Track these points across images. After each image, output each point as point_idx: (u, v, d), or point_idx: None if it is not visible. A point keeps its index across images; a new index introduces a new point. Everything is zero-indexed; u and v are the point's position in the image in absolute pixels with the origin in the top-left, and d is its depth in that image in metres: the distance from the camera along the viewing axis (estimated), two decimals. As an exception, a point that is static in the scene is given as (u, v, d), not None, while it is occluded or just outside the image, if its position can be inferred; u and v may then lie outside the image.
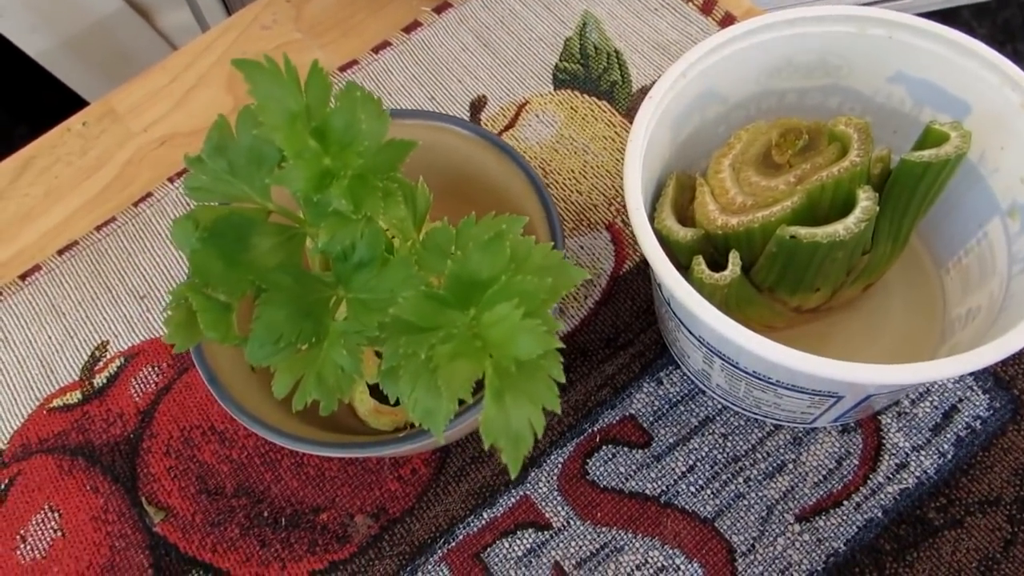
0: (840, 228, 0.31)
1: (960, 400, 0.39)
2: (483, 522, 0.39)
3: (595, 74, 0.52)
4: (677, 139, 0.39)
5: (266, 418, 0.32)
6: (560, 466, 0.40)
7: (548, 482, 0.40)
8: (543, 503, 0.39)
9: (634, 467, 0.40)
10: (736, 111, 0.40)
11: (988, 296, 0.35)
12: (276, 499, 0.40)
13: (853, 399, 0.33)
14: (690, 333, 0.35)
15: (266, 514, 0.40)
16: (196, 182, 0.26)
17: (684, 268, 0.34)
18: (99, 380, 0.44)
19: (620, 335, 0.43)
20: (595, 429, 0.41)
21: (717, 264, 0.34)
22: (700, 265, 0.33)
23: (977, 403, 0.39)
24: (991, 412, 0.38)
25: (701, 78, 0.37)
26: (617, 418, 0.41)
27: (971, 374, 0.39)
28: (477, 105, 0.52)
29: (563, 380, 0.21)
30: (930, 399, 0.39)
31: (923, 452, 0.38)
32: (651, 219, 0.37)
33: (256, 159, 0.26)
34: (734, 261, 0.33)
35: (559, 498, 0.39)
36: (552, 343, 0.21)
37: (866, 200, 0.32)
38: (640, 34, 0.53)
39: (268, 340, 0.24)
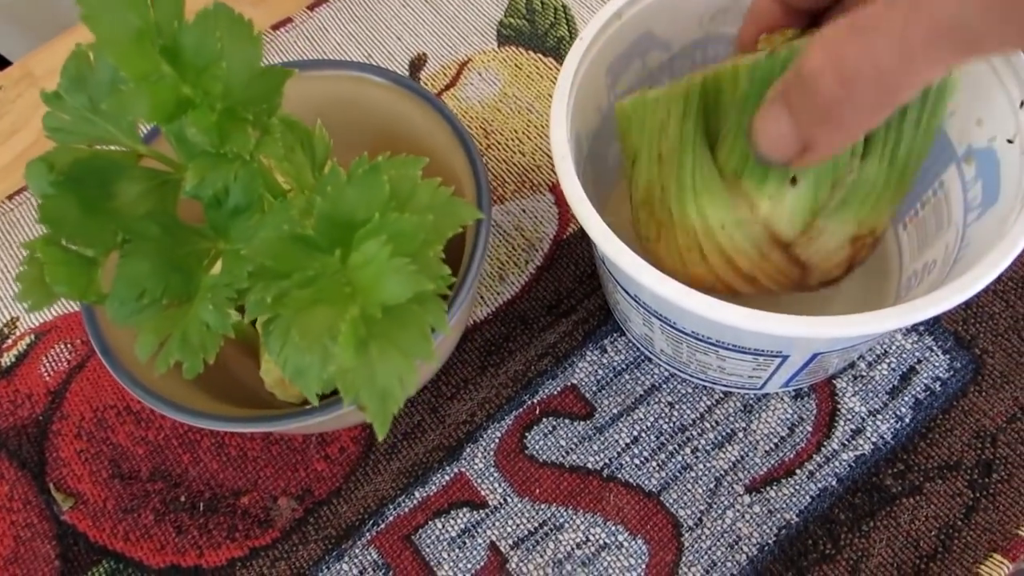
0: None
1: (919, 361, 0.37)
2: (415, 502, 0.36)
3: (541, 30, 0.49)
4: (616, 87, 0.36)
5: (167, 391, 0.30)
6: (497, 441, 0.37)
7: (484, 458, 0.37)
8: (479, 480, 0.37)
9: (575, 440, 0.37)
10: (680, 60, 0.38)
11: (944, 248, 0.32)
12: (194, 483, 0.37)
13: (800, 358, 0.31)
14: (627, 294, 0.32)
15: (183, 499, 0.37)
16: (55, 122, 0.23)
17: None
18: (6, 359, 0.41)
19: (563, 301, 0.41)
20: (535, 401, 0.38)
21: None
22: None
23: (937, 364, 0.36)
24: (951, 373, 0.36)
25: (638, 20, 0.34)
26: (558, 389, 0.38)
27: (930, 334, 0.37)
28: (417, 64, 0.49)
29: (446, 330, 0.19)
30: (887, 361, 0.37)
31: (880, 416, 0.36)
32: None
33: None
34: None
35: (496, 474, 0.37)
36: (424, 285, 0.18)
37: None
38: (590, -13, 0.50)
39: (129, 297, 0.21)
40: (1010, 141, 0.29)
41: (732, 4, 0.36)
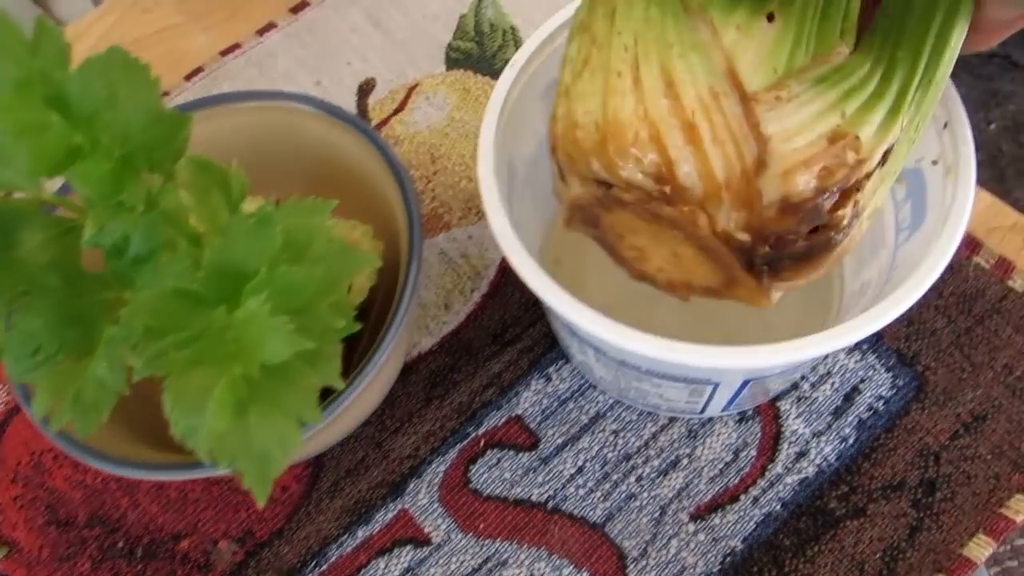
0: None
1: (862, 380, 0.36)
2: (358, 541, 0.36)
3: (490, 52, 0.49)
4: (551, 114, 0.36)
5: (94, 439, 0.29)
6: (441, 475, 0.37)
7: (428, 493, 0.37)
8: (422, 516, 0.36)
9: (520, 472, 0.37)
10: (616, 82, 0.37)
11: (878, 269, 0.32)
12: (133, 527, 0.37)
13: (731, 385, 0.31)
14: (563, 320, 0.32)
15: (121, 544, 0.36)
16: (-47, 170, 0.22)
17: None
18: (-57, 403, 0.40)
19: (508, 330, 0.40)
20: (479, 433, 0.38)
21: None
22: None
23: (879, 382, 0.36)
24: (894, 391, 0.36)
25: (570, 44, 0.34)
26: (503, 419, 0.38)
27: (873, 352, 0.37)
28: (365, 88, 0.49)
29: (338, 385, 0.18)
30: (831, 381, 0.37)
31: (823, 438, 0.36)
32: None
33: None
34: None
35: (440, 510, 0.36)
36: (303, 344, 0.18)
37: None
38: (539, 8, 0.50)
39: (24, 353, 0.21)
40: (935, 162, 0.29)
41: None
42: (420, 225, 0.32)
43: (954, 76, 0.25)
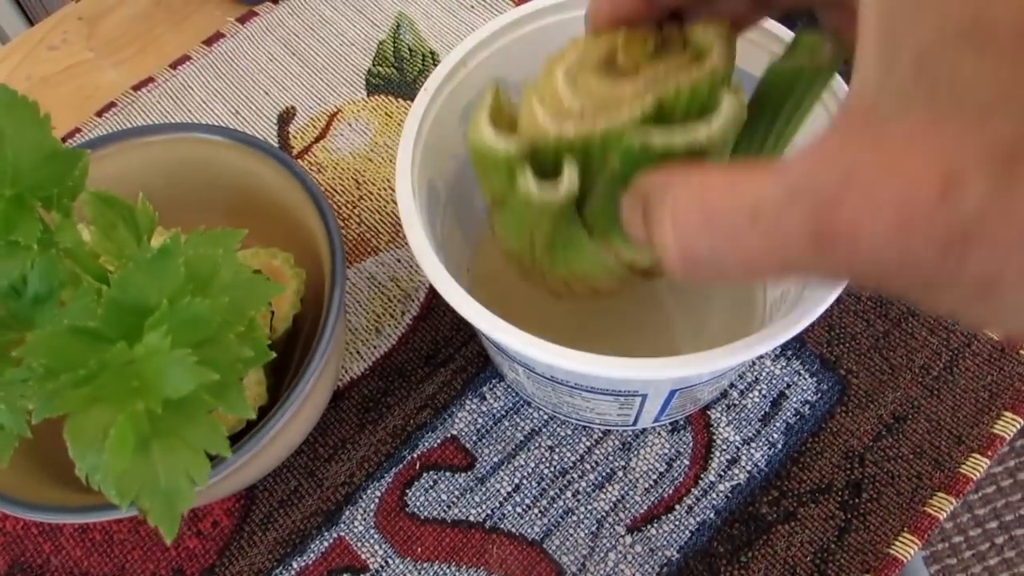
0: (702, 130, 0.24)
1: (788, 386, 0.37)
2: (293, 573, 0.35)
3: (410, 77, 0.49)
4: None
5: (6, 482, 0.28)
6: (377, 501, 0.36)
7: (364, 520, 0.36)
8: (359, 543, 0.36)
9: (457, 493, 0.36)
10: (536, 102, 0.38)
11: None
12: (57, 573, 0.35)
13: (658, 396, 0.31)
14: (487, 337, 0.32)
15: (43, 591, 0.35)
16: None
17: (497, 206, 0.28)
18: None
19: (440, 351, 0.40)
20: (415, 455, 0.37)
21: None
22: (525, 175, 0.25)
23: (805, 387, 0.37)
24: (819, 396, 0.37)
25: (486, 66, 0.34)
26: (439, 441, 0.38)
27: (797, 358, 0.38)
28: (286, 117, 0.48)
29: (248, 414, 0.18)
30: (759, 388, 0.37)
31: (753, 444, 0.36)
32: (447, 242, 0.34)
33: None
34: (570, 169, 0.25)
35: (376, 536, 0.36)
36: (207, 377, 0.17)
37: (731, 104, 0.24)
38: (456, 33, 0.51)
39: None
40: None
41: (579, 48, 0.36)
42: (342, 251, 0.32)
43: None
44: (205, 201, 0.38)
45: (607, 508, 0.36)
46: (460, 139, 0.35)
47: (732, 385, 0.38)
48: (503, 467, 0.37)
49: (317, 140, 0.47)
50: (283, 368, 0.35)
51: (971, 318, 0.15)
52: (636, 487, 0.36)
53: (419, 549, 0.35)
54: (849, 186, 0.15)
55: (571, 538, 0.35)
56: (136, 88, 0.49)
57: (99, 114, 0.48)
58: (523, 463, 0.37)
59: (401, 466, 0.37)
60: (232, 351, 0.18)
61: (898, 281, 0.15)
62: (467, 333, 0.40)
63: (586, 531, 0.35)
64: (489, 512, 0.36)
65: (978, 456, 0.35)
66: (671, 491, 0.36)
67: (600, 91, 0.26)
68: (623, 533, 0.35)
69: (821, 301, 0.26)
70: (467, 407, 0.38)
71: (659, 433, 0.37)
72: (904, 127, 0.15)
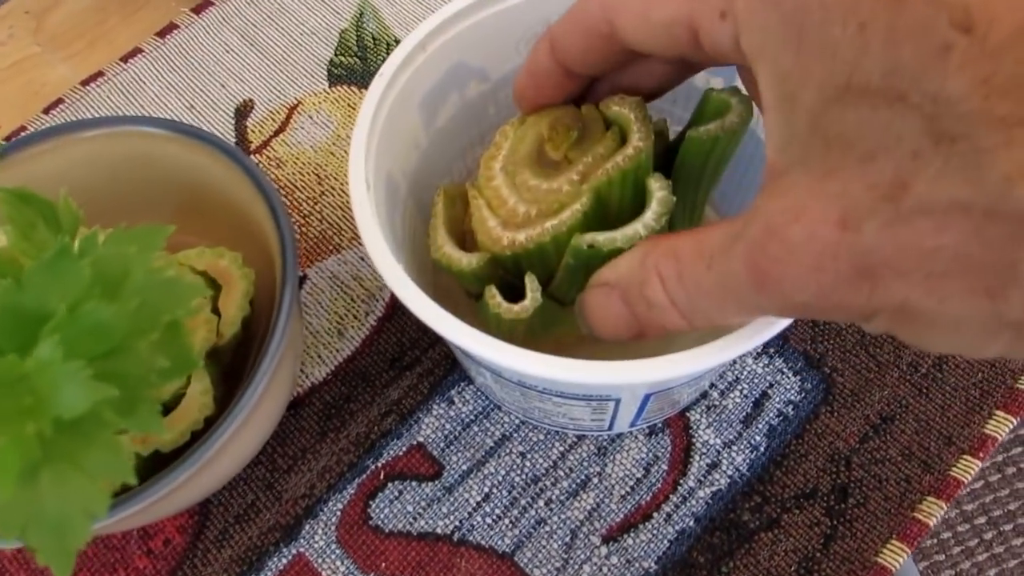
0: (640, 228, 0.26)
1: (771, 386, 0.35)
2: (249, 592, 0.33)
3: (374, 67, 0.47)
4: (433, 124, 0.34)
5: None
6: (339, 514, 0.34)
7: (325, 534, 0.34)
8: (320, 560, 0.33)
9: (423, 503, 0.34)
10: (502, 88, 0.36)
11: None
12: (-6, 597, 0.33)
13: (632, 400, 0.29)
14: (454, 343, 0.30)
15: (-21, 618, 0.33)
16: None
17: (476, 297, 0.30)
18: None
19: (406, 353, 0.38)
20: (379, 465, 0.35)
21: (511, 287, 0.29)
22: (495, 298, 0.28)
23: (788, 387, 0.35)
24: (803, 395, 0.35)
25: (446, 50, 0.32)
26: (404, 449, 0.36)
27: (780, 356, 0.36)
28: (243, 111, 0.46)
29: (160, 431, 0.16)
30: (740, 388, 0.36)
31: (735, 447, 0.34)
32: (408, 239, 0.32)
33: None
34: (532, 287, 0.28)
35: (338, 551, 0.34)
36: (104, 393, 0.15)
37: (661, 191, 0.27)
38: (423, 19, 0.48)
39: None
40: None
41: (545, 28, 0.34)
42: (294, 249, 0.30)
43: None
44: (152, 199, 0.36)
45: (581, 517, 0.34)
46: (421, 128, 0.34)
47: (712, 385, 0.36)
48: (472, 475, 0.35)
49: (276, 134, 0.45)
50: (237, 375, 0.33)
51: (916, 344, 0.17)
52: (612, 494, 0.34)
53: (383, 564, 0.33)
54: (770, 234, 0.17)
55: (543, 550, 0.33)
56: (85, 83, 0.47)
57: (46, 111, 0.46)
58: (493, 471, 0.35)
59: (364, 476, 0.35)
60: (143, 362, 0.16)
61: (832, 314, 0.17)
62: (434, 335, 0.38)
63: (559, 542, 0.33)
64: (457, 524, 0.34)
65: (969, 458, 0.33)
66: (648, 498, 0.34)
67: (539, 189, 0.28)
68: (598, 544, 0.33)
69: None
70: (434, 412, 0.36)
71: (636, 437, 0.35)
72: (806, 180, 0.16)
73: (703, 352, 0.24)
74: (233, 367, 0.33)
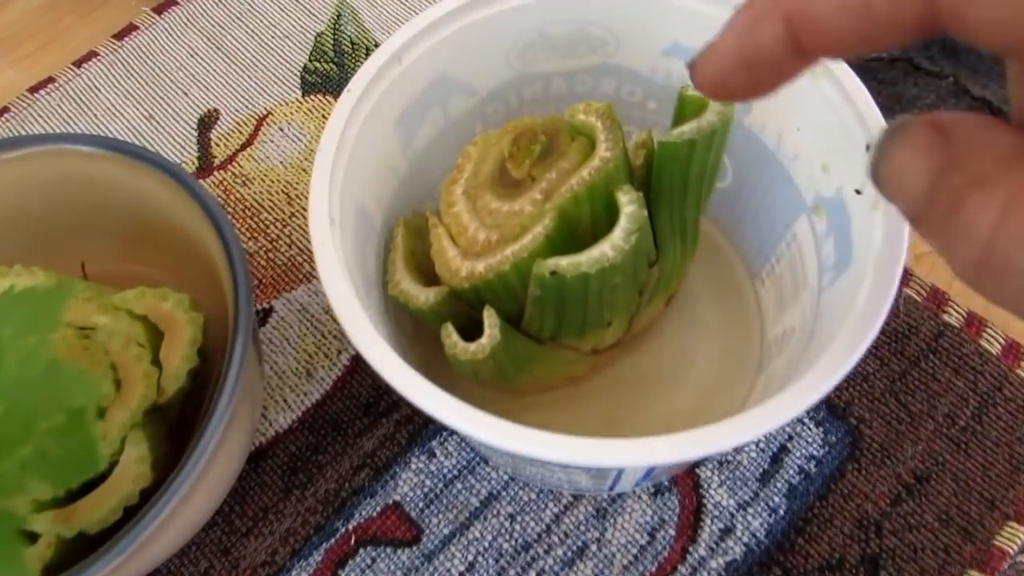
0: (607, 249, 0.24)
1: (790, 438, 0.32)
2: (199, 677, 0.29)
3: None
4: (412, 145, 0.30)
5: None
6: (303, 584, 0.30)
7: (287, 608, 0.30)
8: (280, 639, 0.29)
9: (400, 573, 0.30)
10: (491, 104, 0.32)
11: (800, 315, 0.27)
12: None
13: (634, 471, 0.25)
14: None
15: None
16: None
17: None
18: None
19: (383, 397, 0.34)
20: (350, 527, 0.31)
21: (478, 324, 0.25)
22: (450, 337, 0.25)
23: (810, 440, 0.32)
24: (826, 449, 0.31)
25: (426, 62, 0.29)
26: (379, 509, 0.32)
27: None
28: (207, 121, 0.42)
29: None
30: (756, 441, 0.32)
31: (751, 510, 0.31)
32: (384, 273, 0.28)
33: None
34: (490, 323, 0.25)
35: (302, 629, 0.30)
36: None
37: (629, 205, 0.24)
38: (405, 23, 0.44)
39: None
40: (858, 192, 0.24)
41: (539, 39, 0.30)
42: (248, 293, 0.26)
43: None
44: (95, 226, 0.32)
45: (578, 591, 0.30)
46: (398, 150, 0.30)
47: (724, 438, 0.32)
48: (455, 541, 0.31)
49: (243, 148, 0.41)
50: (188, 429, 0.29)
51: None
52: (613, 564, 0.30)
53: (353, 646, 0.29)
54: None
55: (535, 630, 0.29)
56: (33, 90, 0.43)
57: (-11, 120, 0.42)
58: (478, 535, 0.31)
59: (333, 540, 0.31)
60: (9, 486, 0.12)
61: None
62: (414, 376, 0.34)
63: (553, 620, 0.29)
64: (437, 598, 0.30)
65: (1015, 525, 0.29)
66: (654, 568, 0.30)
67: (500, 212, 0.26)
68: (598, 623, 0.29)
69: (838, 363, 0.21)
70: (413, 466, 0.32)
71: (639, 497, 0.31)
72: None
73: (715, 433, 0.20)
74: (183, 419, 0.29)
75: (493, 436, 0.20)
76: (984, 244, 0.12)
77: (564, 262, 0.23)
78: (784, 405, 0.20)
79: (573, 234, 0.25)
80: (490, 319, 0.25)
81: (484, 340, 0.25)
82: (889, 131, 0.14)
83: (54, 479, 0.16)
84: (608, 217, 0.25)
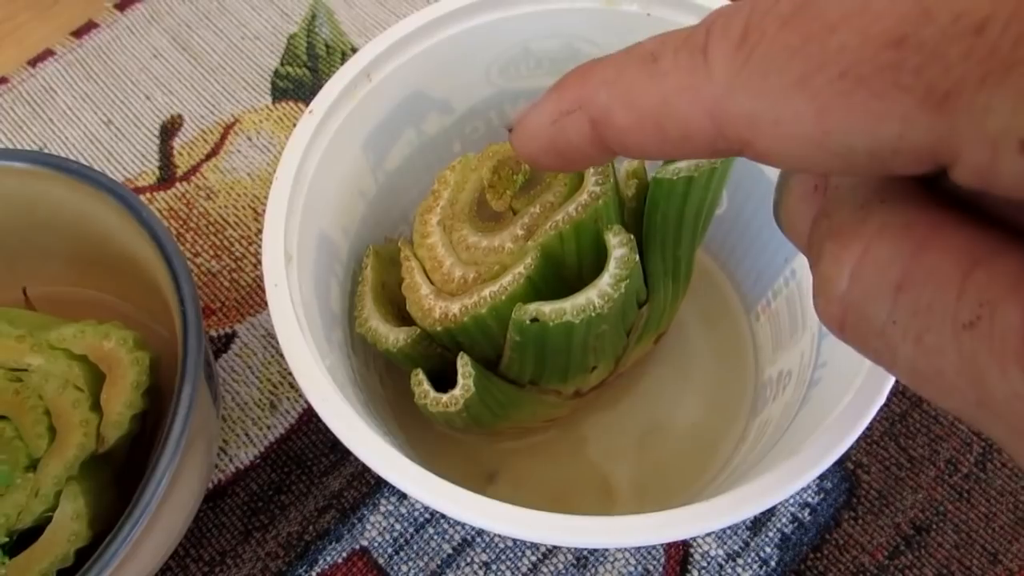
0: (594, 296, 0.22)
1: (783, 484, 0.30)
2: None
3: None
4: (383, 166, 0.28)
5: None
6: (261, 637, 0.28)
7: (244, 664, 0.28)
8: None
9: (365, 626, 0.28)
10: (470, 122, 0.30)
11: (799, 358, 0.26)
12: None
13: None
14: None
15: None
16: None
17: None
18: None
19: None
20: (314, 575, 0.29)
21: (453, 367, 0.23)
22: (421, 386, 0.24)
23: (804, 487, 0.30)
24: (821, 496, 0.29)
25: (399, 78, 0.26)
26: (344, 555, 0.30)
27: (794, 447, 0.30)
28: (170, 128, 0.39)
29: None
30: (746, 486, 0.30)
31: (740, 560, 0.29)
32: (352, 308, 0.26)
33: None
34: (464, 372, 0.23)
35: None
36: None
37: (620, 248, 0.22)
38: (384, 26, 0.42)
39: None
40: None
41: (522, 54, 0.28)
42: (199, 332, 0.24)
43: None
44: (38, 248, 0.30)
45: (556, 648, 0.28)
46: (367, 172, 0.27)
47: (713, 482, 0.30)
48: (425, 590, 0.29)
49: (208, 157, 0.38)
50: (136, 479, 0.27)
51: None
52: (593, 618, 0.28)
53: None
54: None
55: None
56: (-16, 90, 0.40)
57: (-64, 123, 0.39)
58: (451, 584, 0.29)
59: (295, 588, 0.29)
60: None
61: None
62: (384, 408, 0.32)
63: None
64: (405, 654, 0.28)
65: (1021, 581, 0.28)
66: (637, 624, 0.28)
67: (479, 247, 0.24)
68: None
69: (838, 439, 0.19)
70: (381, 509, 0.30)
71: (622, 545, 0.29)
72: None
73: (732, 501, 0.18)
74: (132, 461, 0.27)
75: (462, 512, 0.18)
76: (839, 299, 0.11)
77: (547, 308, 0.21)
78: (790, 474, 0.19)
79: (557, 274, 0.23)
80: (463, 368, 0.23)
81: (457, 391, 0.22)
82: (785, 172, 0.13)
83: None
84: (596, 256, 0.23)
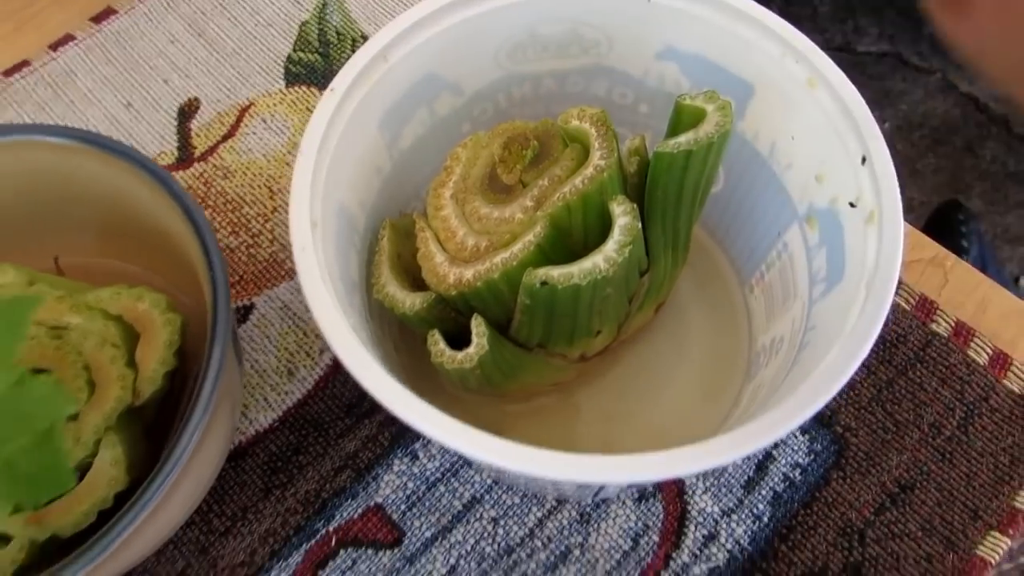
0: (600, 261, 0.23)
1: (776, 446, 0.31)
2: None
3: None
4: (398, 144, 0.29)
5: None
6: (282, 587, 0.30)
7: (266, 612, 0.30)
8: (258, 643, 0.29)
9: (380, 575, 0.30)
10: (479, 103, 0.31)
11: (790, 325, 0.27)
12: None
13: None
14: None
15: None
16: None
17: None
18: None
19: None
20: (331, 529, 0.31)
21: (466, 330, 0.25)
22: (437, 345, 0.25)
23: (795, 447, 0.31)
24: (811, 458, 0.31)
25: (413, 60, 0.28)
26: (360, 510, 0.31)
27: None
28: (187, 111, 0.41)
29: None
30: (740, 447, 0.31)
31: (734, 517, 0.30)
32: (369, 276, 0.28)
33: None
34: (478, 332, 0.24)
35: (280, 633, 0.29)
36: None
37: (623, 217, 0.24)
38: (395, 14, 0.44)
39: None
40: (852, 205, 0.24)
41: (530, 38, 0.30)
42: (226, 291, 0.25)
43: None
44: (70, 220, 0.31)
45: (561, 597, 0.30)
46: (383, 149, 0.29)
47: (709, 444, 0.32)
48: (437, 544, 0.31)
49: (225, 139, 0.40)
50: (163, 434, 0.29)
51: None
52: (595, 569, 0.30)
53: (332, 651, 0.29)
54: None
55: (517, 636, 0.29)
56: (7, 74, 0.42)
57: (-39, 105, 0.41)
58: (461, 539, 0.31)
59: (313, 542, 0.31)
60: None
61: None
62: (397, 376, 0.34)
63: (535, 627, 0.29)
64: (418, 602, 0.30)
65: (998, 535, 0.29)
66: (637, 574, 0.30)
67: (490, 218, 0.25)
68: (579, 629, 0.29)
69: (826, 385, 0.20)
70: (395, 468, 0.32)
71: (624, 503, 0.31)
72: None
73: (726, 442, 0.20)
74: (161, 419, 0.29)
75: (478, 451, 0.20)
76: None
77: (555, 272, 0.23)
78: (778, 420, 0.20)
79: (564, 243, 0.25)
80: (478, 328, 0.24)
81: (472, 350, 0.24)
82: None
83: (21, 496, 0.15)
84: (600, 226, 0.24)
